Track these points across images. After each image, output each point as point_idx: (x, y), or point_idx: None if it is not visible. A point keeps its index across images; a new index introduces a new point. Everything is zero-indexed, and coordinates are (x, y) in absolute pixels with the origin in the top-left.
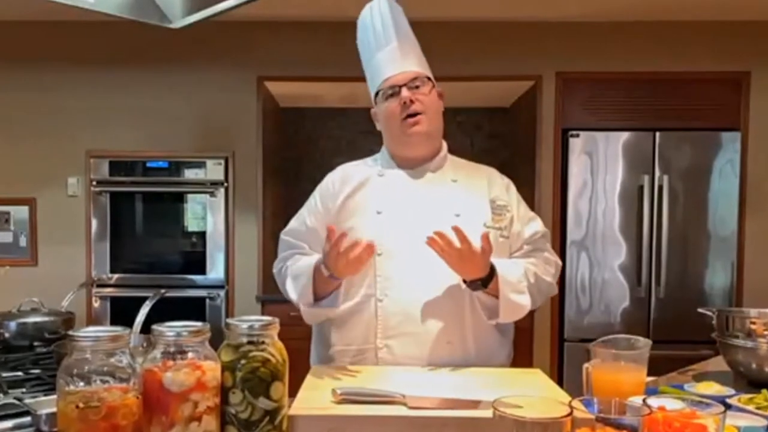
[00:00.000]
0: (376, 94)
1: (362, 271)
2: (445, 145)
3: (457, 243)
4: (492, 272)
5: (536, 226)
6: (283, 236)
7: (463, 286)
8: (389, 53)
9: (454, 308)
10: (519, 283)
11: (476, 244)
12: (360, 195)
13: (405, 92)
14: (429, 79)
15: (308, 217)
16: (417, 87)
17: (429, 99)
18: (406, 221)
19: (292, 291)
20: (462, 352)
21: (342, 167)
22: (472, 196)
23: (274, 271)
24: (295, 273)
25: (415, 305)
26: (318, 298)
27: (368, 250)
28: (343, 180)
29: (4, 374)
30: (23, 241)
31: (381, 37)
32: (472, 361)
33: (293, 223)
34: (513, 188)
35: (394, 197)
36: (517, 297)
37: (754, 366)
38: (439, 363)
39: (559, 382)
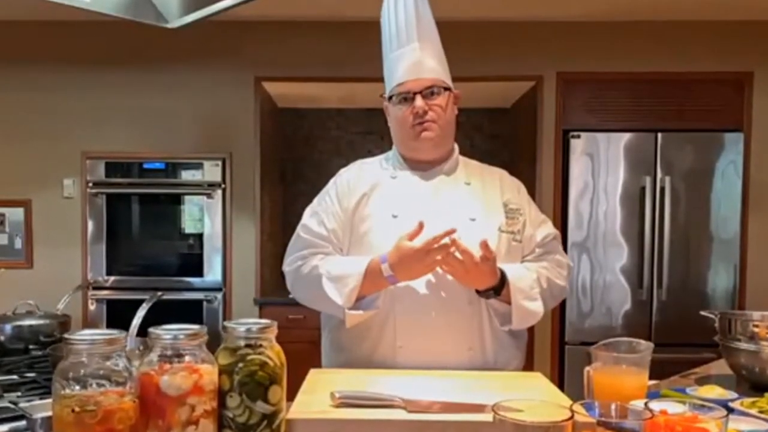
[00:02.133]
0: (390, 95)
1: None
2: (456, 146)
3: (458, 255)
4: (503, 279)
5: (548, 228)
6: (303, 233)
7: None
8: (408, 54)
9: (472, 314)
10: (531, 289)
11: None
12: (374, 197)
13: (419, 101)
14: (446, 88)
15: (326, 218)
16: (432, 94)
17: (443, 109)
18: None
19: (334, 295)
20: (482, 358)
21: (356, 165)
22: (486, 199)
23: (289, 268)
24: (336, 275)
25: (433, 312)
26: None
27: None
28: (358, 178)
29: None
30: (18, 243)
31: (402, 34)
32: (491, 367)
33: (311, 223)
34: (524, 190)
35: (409, 201)
36: (530, 304)
37: (756, 369)
38: (459, 365)
39: (560, 386)
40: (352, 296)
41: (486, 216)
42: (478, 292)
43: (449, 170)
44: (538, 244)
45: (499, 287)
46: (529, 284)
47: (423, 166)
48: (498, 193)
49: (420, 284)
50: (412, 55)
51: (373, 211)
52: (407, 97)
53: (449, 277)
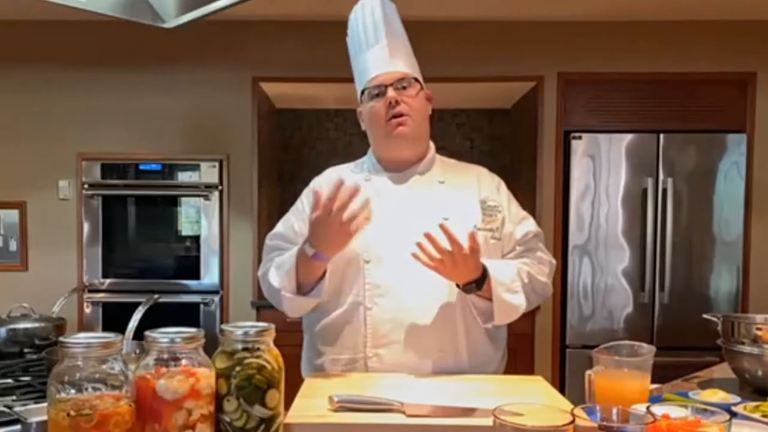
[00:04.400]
0: (362, 93)
1: (351, 279)
2: (432, 146)
3: (447, 245)
4: (484, 273)
5: (529, 225)
6: (269, 241)
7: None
8: (377, 52)
9: (445, 315)
10: (512, 282)
11: (464, 244)
12: None
13: (391, 92)
14: (417, 81)
15: (296, 222)
16: (404, 88)
17: (415, 101)
18: (394, 227)
19: (275, 280)
20: (454, 360)
21: (329, 171)
22: (461, 197)
23: (260, 273)
24: (279, 263)
25: (405, 313)
26: (303, 290)
27: (364, 208)
28: (329, 183)
29: None
30: (13, 246)
31: (371, 35)
32: (465, 369)
33: (280, 228)
34: (504, 187)
35: (381, 203)
36: (511, 297)
37: (760, 373)
38: (431, 371)
39: (561, 390)
40: (290, 279)
41: (460, 214)
42: (459, 287)
43: (423, 169)
44: (519, 242)
45: (481, 281)
46: (510, 277)
47: (397, 167)
48: (475, 191)
49: (392, 285)
50: (381, 52)
51: None
52: (380, 92)
53: (421, 278)
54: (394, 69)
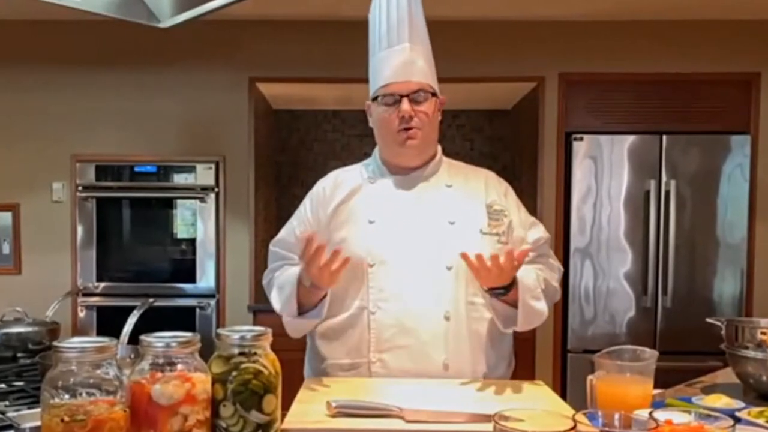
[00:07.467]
0: (375, 95)
1: (355, 283)
2: (439, 149)
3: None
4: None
5: (539, 231)
6: (272, 247)
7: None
8: (398, 55)
9: (449, 325)
10: (536, 288)
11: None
12: (352, 203)
13: (405, 105)
14: (432, 93)
15: (298, 227)
16: (419, 99)
17: (428, 114)
18: (399, 230)
19: (276, 302)
20: (458, 368)
21: (334, 173)
22: (467, 201)
23: (264, 282)
24: (281, 283)
25: (409, 317)
26: (304, 310)
27: (344, 263)
28: (335, 186)
29: None
30: (6, 249)
31: (393, 33)
32: (468, 375)
33: (282, 233)
34: (511, 192)
35: (386, 206)
36: (536, 303)
37: (764, 378)
38: (435, 377)
39: (563, 395)
40: (290, 303)
41: (466, 218)
42: (486, 289)
43: (430, 173)
44: (531, 248)
45: (510, 285)
46: (534, 283)
47: (404, 171)
48: (481, 195)
49: (396, 289)
50: (401, 55)
51: (350, 216)
52: (394, 100)
53: (425, 282)
54: (411, 78)
